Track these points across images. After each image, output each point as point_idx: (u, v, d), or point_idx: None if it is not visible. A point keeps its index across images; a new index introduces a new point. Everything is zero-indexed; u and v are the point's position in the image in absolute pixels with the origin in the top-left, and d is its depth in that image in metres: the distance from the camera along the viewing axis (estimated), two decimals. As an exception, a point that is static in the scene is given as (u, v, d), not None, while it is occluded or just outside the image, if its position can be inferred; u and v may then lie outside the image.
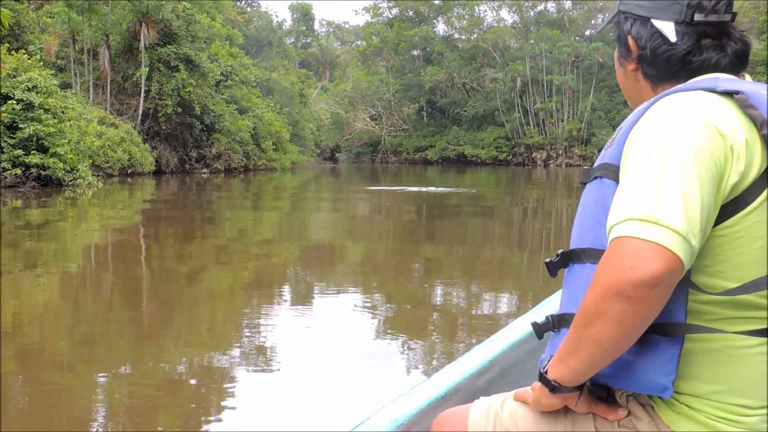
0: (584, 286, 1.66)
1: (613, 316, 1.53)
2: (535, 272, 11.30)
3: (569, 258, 1.82)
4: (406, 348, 6.83)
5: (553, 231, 17.66)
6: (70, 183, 27.44)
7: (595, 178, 1.79)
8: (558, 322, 1.84)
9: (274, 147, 56.72)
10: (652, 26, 1.81)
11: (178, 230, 17.09)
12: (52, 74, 30.89)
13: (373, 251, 14.26)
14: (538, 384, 1.80)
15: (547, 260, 1.87)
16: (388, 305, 8.95)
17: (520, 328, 2.61)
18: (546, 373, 1.75)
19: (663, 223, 1.50)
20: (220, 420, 5.06)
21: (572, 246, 1.82)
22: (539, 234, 16.97)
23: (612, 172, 1.72)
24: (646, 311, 1.52)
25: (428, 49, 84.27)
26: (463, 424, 1.96)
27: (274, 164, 55.65)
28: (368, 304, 8.94)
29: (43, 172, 26.59)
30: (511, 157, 77.05)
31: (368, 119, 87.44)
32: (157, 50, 42.58)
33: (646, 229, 1.50)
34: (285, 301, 9.22)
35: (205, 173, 46.28)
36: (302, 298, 9.38)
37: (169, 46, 42.70)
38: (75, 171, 27.68)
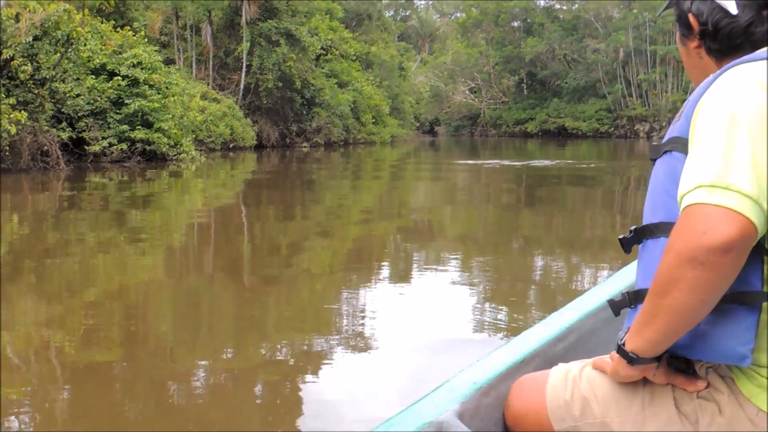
0: (659, 260, 1.65)
1: (688, 283, 1.54)
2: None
3: (642, 234, 1.84)
4: (503, 320, 6.82)
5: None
6: (173, 157, 27.89)
7: (665, 152, 1.80)
8: (634, 298, 1.85)
9: (374, 120, 56.68)
10: (712, 1, 1.82)
11: (279, 204, 17.27)
12: (156, 50, 31.37)
13: (472, 227, 14.12)
14: (616, 355, 1.82)
15: (621, 237, 1.91)
16: (487, 280, 8.84)
17: (596, 296, 2.63)
18: (624, 344, 1.77)
19: (733, 188, 1.51)
20: (319, 392, 5.09)
21: (645, 222, 1.84)
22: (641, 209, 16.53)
23: (681, 145, 1.74)
24: (721, 277, 1.54)
25: (528, 21, 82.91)
26: (541, 390, 1.99)
27: (373, 138, 55.66)
28: (467, 279, 8.87)
29: (147, 147, 27.08)
30: (612, 129, 75.38)
31: (467, 92, 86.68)
32: (258, 25, 42.83)
33: (716, 195, 1.52)
34: (384, 274, 9.30)
35: (305, 147, 46.59)
36: (401, 270, 9.47)
37: (269, 21, 42.87)
38: (179, 146, 28.10)
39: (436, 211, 16.57)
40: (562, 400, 1.94)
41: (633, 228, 1.87)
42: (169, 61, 41.15)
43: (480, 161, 34.74)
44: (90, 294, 8.00)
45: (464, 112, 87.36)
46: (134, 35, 29.76)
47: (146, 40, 31.95)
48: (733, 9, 1.79)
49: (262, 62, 42.84)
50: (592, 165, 30.83)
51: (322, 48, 48.97)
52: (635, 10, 73.30)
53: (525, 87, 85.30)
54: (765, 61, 1.67)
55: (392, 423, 1.79)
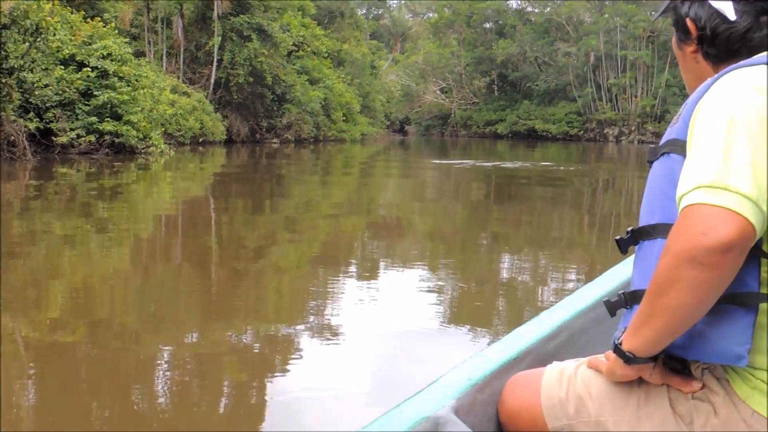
0: (656, 262, 1.65)
1: (686, 283, 1.55)
2: (604, 247, 11.04)
3: (639, 235, 1.84)
4: (470, 318, 6.76)
5: (623, 207, 17.35)
6: (142, 150, 27.68)
7: (662, 154, 1.81)
8: (630, 299, 1.85)
9: (344, 118, 56.64)
10: (710, 6, 1.82)
11: (247, 198, 17.22)
12: (126, 42, 31.10)
13: (440, 224, 14.16)
14: (612, 354, 1.82)
15: (618, 237, 1.91)
16: (455, 278, 8.85)
17: (586, 295, 2.63)
18: (620, 344, 1.77)
19: (732, 189, 1.52)
20: (286, 388, 5.05)
21: (641, 223, 1.84)
22: (610, 209, 16.64)
23: (679, 147, 1.74)
24: (719, 277, 1.54)
25: (501, 22, 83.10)
26: (536, 387, 1.99)
27: (343, 135, 55.59)
28: (434, 278, 8.85)
29: (116, 140, 26.86)
30: (582, 132, 75.74)
31: (438, 92, 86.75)
32: (230, 19, 42.65)
33: (716, 196, 1.53)
34: (351, 271, 9.27)
35: (275, 143, 46.50)
36: (369, 268, 9.42)
37: (241, 16, 42.70)
38: (147, 139, 27.89)
39: (404, 208, 16.55)
40: (556, 398, 1.95)
41: (630, 229, 1.88)
42: (139, 54, 40.78)
43: (449, 161, 34.85)
44: (55, 285, 7.91)
45: (435, 111, 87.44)
46: (104, 26, 29.47)
47: (116, 31, 31.64)
48: (731, 15, 1.80)
49: (233, 57, 42.67)
50: (562, 168, 30.93)
51: (293, 44, 48.74)
52: (606, 15, 73.83)
53: (496, 88, 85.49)
54: (763, 66, 1.69)
55: (388, 418, 1.80)
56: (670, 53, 70.76)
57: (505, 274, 9.38)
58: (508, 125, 79.12)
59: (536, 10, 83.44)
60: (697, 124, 1.68)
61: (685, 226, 1.55)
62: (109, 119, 26.55)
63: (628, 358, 1.76)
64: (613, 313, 1.93)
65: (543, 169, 29.47)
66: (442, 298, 7.75)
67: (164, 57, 43.10)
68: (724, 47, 1.82)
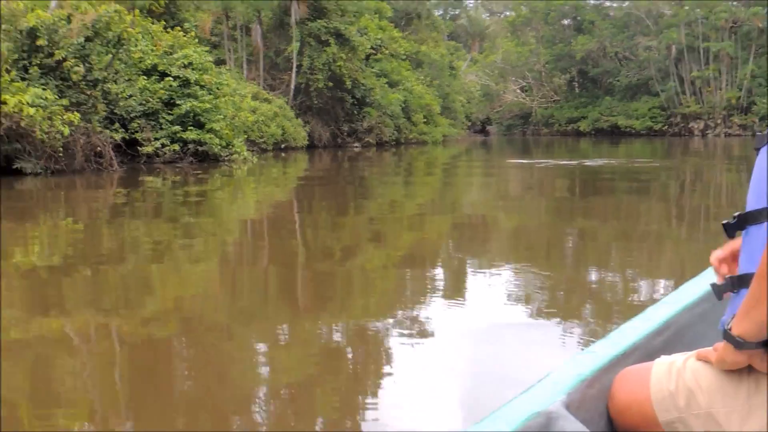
0: (762, 245, 1.66)
1: None
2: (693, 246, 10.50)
3: (746, 220, 1.85)
4: (560, 326, 6.43)
5: (712, 200, 16.77)
6: (226, 158, 27.73)
7: None
8: (738, 283, 1.85)
9: (425, 120, 56.26)
10: None
11: (331, 201, 17.11)
12: (206, 51, 31.26)
13: (525, 227, 13.72)
14: (721, 343, 1.80)
15: (724, 222, 1.90)
16: (545, 277, 8.55)
17: (691, 290, 2.61)
18: (730, 329, 1.75)
19: None
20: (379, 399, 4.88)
21: (748, 208, 1.84)
22: (699, 202, 16.03)
23: None
24: None
25: (579, 18, 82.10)
26: (645, 381, 1.98)
27: (425, 137, 55.23)
28: (524, 277, 8.63)
29: (200, 148, 26.94)
30: (666, 127, 74.24)
31: (518, 91, 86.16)
32: (307, 25, 42.69)
33: None
34: (439, 271, 9.15)
35: (357, 147, 46.36)
36: (456, 268, 9.31)
37: (319, 21, 42.71)
38: (230, 146, 27.94)
39: (489, 208, 16.23)
40: (666, 391, 1.93)
41: (737, 214, 1.88)
42: (219, 62, 41.26)
43: (531, 160, 34.16)
44: (149, 300, 7.79)
45: (515, 111, 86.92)
46: (185, 36, 29.67)
47: (197, 40, 31.86)
48: None
49: (312, 62, 42.70)
50: (648, 163, 30.19)
51: (371, 47, 48.67)
52: (687, 7, 72.11)
53: (576, 85, 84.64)
54: None
55: (500, 414, 1.80)
56: (754, 43, 69.18)
57: (594, 273, 9.05)
58: (590, 122, 78.14)
59: (615, 5, 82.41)
60: None
61: None
62: (192, 128, 26.65)
63: (738, 343, 1.73)
64: (720, 297, 1.94)
65: (628, 165, 28.74)
66: (535, 298, 7.49)
67: (244, 64, 43.44)
68: None
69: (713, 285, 1.96)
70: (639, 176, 23.71)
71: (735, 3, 73.65)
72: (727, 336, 1.76)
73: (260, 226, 13.34)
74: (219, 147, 27.20)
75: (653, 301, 6.11)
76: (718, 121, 71.81)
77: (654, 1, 75.87)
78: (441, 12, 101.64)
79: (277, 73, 44.70)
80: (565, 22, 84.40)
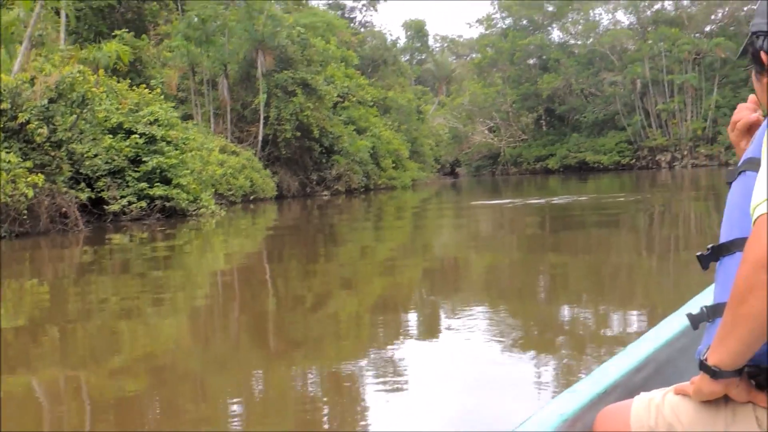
0: (735, 275, 1.71)
1: (764, 288, 1.61)
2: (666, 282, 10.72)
3: (719, 252, 1.94)
4: (537, 367, 6.62)
5: (681, 233, 17.00)
6: (193, 212, 27.75)
7: (740, 173, 1.92)
8: (712, 313, 1.94)
9: (394, 165, 56.47)
10: None
11: (301, 255, 17.11)
12: (173, 106, 31.45)
13: (495, 267, 13.93)
14: (698, 375, 1.87)
15: (699, 254, 2.02)
16: (516, 325, 8.61)
17: (671, 326, 2.71)
18: (706, 360, 1.83)
19: None
20: None
21: (722, 240, 1.94)
22: (669, 240, 16.25)
23: (755, 165, 1.83)
24: None
25: (544, 57, 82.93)
26: (625, 419, 2.05)
27: (394, 182, 55.40)
28: (496, 321, 8.75)
29: (167, 204, 26.96)
30: (634, 161, 74.98)
31: (486, 132, 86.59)
32: (274, 76, 43.07)
33: None
34: (411, 321, 9.17)
35: (326, 195, 46.49)
36: (429, 315, 9.32)
37: (285, 72, 43.10)
38: (198, 200, 27.99)
39: (461, 252, 16.37)
40: (647, 428, 2.00)
41: (710, 246, 1.98)
42: (187, 117, 41.41)
43: (501, 201, 34.38)
44: (116, 359, 7.88)
45: (484, 151, 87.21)
46: (150, 93, 29.84)
47: (163, 96, 32.01)
48: None
49: (279, 113, 42.98)
50: (622, 198, 30.43)
51: (338, 95, 49.07)
52: (650, 41, 73.23)
53: (544, 123, 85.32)
54: None
55: None
56: (718, 74, 70.19)
57: (566, 310, 9.26)
58: (558, 159, 78.69)
59: (579, 42, 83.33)
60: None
61: (759, 235, 1.64)
62: (159, 184, 26.68)
63: (714, 373, 1.80)
64: (695, 326, 2.05)
65: (595, 201, 29.03)
66: (508, 343, 7.58)
67: (212, 118, 43.58)
68: None
69: (689, 315, 2.06)
70: (608, 211, 24.07)
71: (697, 35, 74.85)
72: (703, 366, 1.84)
73: (230, 277, 13.48)
74: (186, 202, 27.23)
75: (627, 334, 6.81)
76: (685, 153, 72.62)
77: (617, 36, 76.91)
78: (407, 57, 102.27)
79: (244, 125, 44.87)
80: (531, 61, 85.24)
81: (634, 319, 8.52)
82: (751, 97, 2.21)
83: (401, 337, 8.20)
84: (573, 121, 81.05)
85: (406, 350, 7.42)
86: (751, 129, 2.17)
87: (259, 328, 9.16)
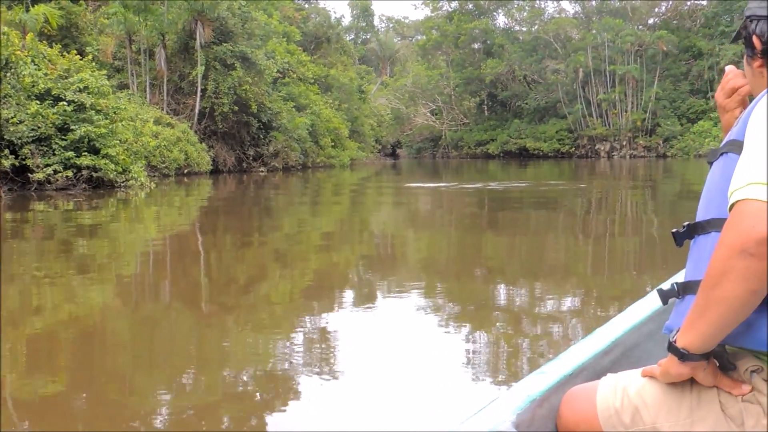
0: (708, 254, 1.75)
1: (738, 274, 1.64)
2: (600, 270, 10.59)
3: (694, 230, 1.97)
4: (476, 351, 6.59)
5: (617, 223, 16.89)
6: (122, 184, 27.05)
7: (721, 155, 1.93)
8: (683, 290, 1.96)
9: (333, 144, 56.08)
10: None
11: (235, 230, 16.69)
12: (105, 75, 30.56)
13: (433, 250, 13.71)
14: (666, 357, 1.89)
15: (674, 230, 2.04)
16: (452, 308, 8.46)
17: (640, 310, 2.72)
18: (675, 342, 1.85)
19: None
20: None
21: (698, 219, 1.97)
22: (605, 227, 16.12)
23: (737, 147, 1.84)
24: None
25: (488, 42, 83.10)
26: (592, 400, 2.06)
27: (332, 161, 54.97)
28: (431, 306, 8.56)
29: (94, 174, 26.21)
30: (573, 149, 75.58)
31: (429, 114, 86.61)
32: (213, 48, 42.21)
33: (766, 192, 1.63)
34: (346, 303, 8.89)
35: (262, 171, 45.90)
36: (364, 299, 8.97)
37: (224, 44, 42.28)
38: (127, 172, 27.27)
39: (396, 236, 16.03)
40: (612, 409, 2.01)
41: (686, 224, 2.00)
42: (123, 86, 40.61)
43: (440, 184, 34.04)
44: (36, 325, 7.56)
45: (426, 134, 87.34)
46: (81, 59, 28.96)
47: (94, 64, 31.02)
48: None
49: (217, 86, 42.22)
50: (558, 186, 30.38)
51: (278, 71, 48.34)
52: (594, 31, 73.66)
53: (486, 108, 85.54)
54: None
55: None
56: (659, 66, 70.85)
57: (502, 301, 9.03)
58: (499, 145, 79.02)
59: (524, 29, 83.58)
60: (751, 124, 1.79)
61: (737, 220, 1.65)
62: (86, 153, 25.91)
63: (682, 355, 1.83)
64: (665, 302, 2.10)
65: (535, 189, 28.92)
66: (443, 331, 7.33)
67: (147, 88, 42.60)
68: None
69: (659, 290, 2.10)
70: (547, 198, 23.99)
71: (641, 27, 75.42)
72: (672, 348, 1.86)
73: (157, 256, 12.91)
74: (114, 173, 26.50)
75: (561, 312, 7.07)
76: (624, 143, 73.32)
77: (562, 25, 77.16)
78: (352, 36, 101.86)
79: (181, 97, 43.96)
80: (475, 45, 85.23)
81: (566, 304, 8.53)
82: (731, 67, 2.26)
83: (332, 312, 8.09)
84: (515, 108, 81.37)
85: (336, 325, 7.35)
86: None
87: (185, 300, 8.86)
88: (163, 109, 41.39)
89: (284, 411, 5.15)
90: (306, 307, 8.55)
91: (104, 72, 30.54)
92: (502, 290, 9.63)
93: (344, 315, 8.08)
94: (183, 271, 11.37)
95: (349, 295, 9.43)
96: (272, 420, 5.01)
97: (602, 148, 74.11)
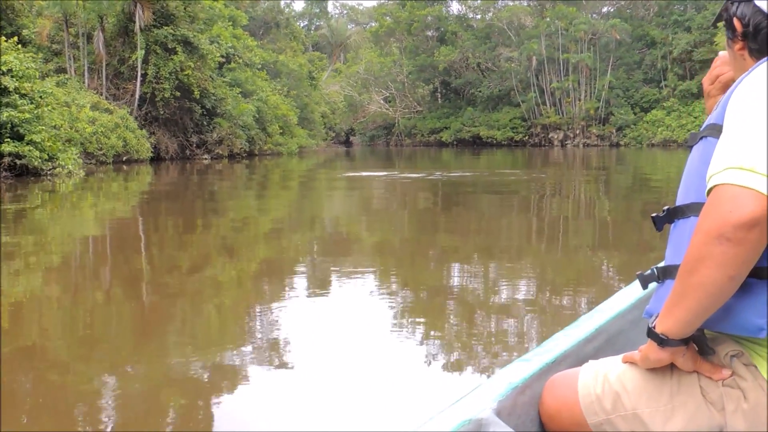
0: (688, 239, 1.75)
1: (716, 259, 1.64)
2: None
3: (674, 214, 1.96)
4: (421, 338, 6.51)
5: (571, 214, 16.35)
6: (48, 172, 25.79)
7: (701, 138, 1.93)
8: (663, 274, 1.96)
9: (281, 131, 54.94)
10: (754, 5, 1.90)
11: (171, 220, 15.89)
12: (42, 59, 29.16)
13: (382, 239, 13.31)
14: (646, 344, 1.90)
15: (654, 215, 2.02)
16: (405, 295, 8.43)
17: (623, 299, 2.71)
18: (654, 327, 1.85)
19: (758, 171, 1.62)
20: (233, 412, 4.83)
21: (678, 203, 1.95)
22: (551, 215, 15.39)
23: (716, 132, 1.83)
24: (746, 253, 1.63)
25: (442, 29, 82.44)
26: (573, 386, 2.05)
27: (280, 149, 53.86)
28: (378, 293, 8.41)
29: (18, 161, 24.94)
30: (527, 137, 75.24)
31: (382, 101, 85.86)
32: (153, 32, 40.82)
33: (743, 177, 1.63)
34: (291, 295, 8.45)
35: (206, 159, 44.73)
36: (311, 290, 8.70)
37: (165, 28, 40.91)
38: (54, 159, 26.00)
39: (347, 225, 15.42)
40: (593, 395, 2.00)
41: (666, 208, 1.98)
42: (61, 70, 39.24)
43: (389, 173, 32.87)
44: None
45: (379, 121, 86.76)
46: (6, 41, 27.60)
47: (32, 47, 29.64)
48: None
49: (158, 71, 40.94)
50: (510, 176, 29.63)
51: (223, 56, 47.07)
52: (547, 18, 73.09)
53: (439, 96, 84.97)
54: None
55: (432, 421, 1.84)
56: (612, 55, 70.62)
57: (454, 284, 9.05)
58: (452, 133, 78.51)
59: (477, 16, 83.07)
60: (730, 109, 1.77)
61: (714, 205, 1.65)
62: (9, 140, 24.62)
63: (661, 341, 1.83)
64: (645, 286, 2.06)
65: (490, 178, 28.14)
66: (388, 317, 7.24)
67: (86, 73, 41.24)
68: (765, 42, 1.89)
69: (639, 275, 2.05)
70: (501, 188, 23.34)
71: (594, 15, 75.09)
72: (651, 333, 1.85)
73: (91, 246, 12.16)
74: (40, 160, 25.23)
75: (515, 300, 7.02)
76: (577, 132, 73.09)
77: (515, 12, 76.61)
78: (306, 23, 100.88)
79: (121, 82, 42.55)
80: (428, 33, 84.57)
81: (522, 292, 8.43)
82: (722, 52, 2.22)
83: (270, 310, 7.68)
84: (468, 95, 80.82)
85: (279, 324, 7.02)
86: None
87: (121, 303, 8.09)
88: (102, 95, 40.09)
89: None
90: (250, 296, 8.49)
91: (41, 56, 29.23)
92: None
93: (282, 308, 7.74)
94: (115, 265, 10.51)
95: (293, 288, 8.98)
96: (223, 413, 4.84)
97: (556, 137, 73.81)
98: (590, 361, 2.14)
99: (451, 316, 7.31)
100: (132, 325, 7.17)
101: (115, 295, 8.57)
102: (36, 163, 25.11)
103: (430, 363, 5.72)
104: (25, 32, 38.62)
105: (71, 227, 14.88)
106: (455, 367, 5.69)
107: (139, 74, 41.06)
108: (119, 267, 10.31)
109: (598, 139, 71.58)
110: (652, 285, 2.03)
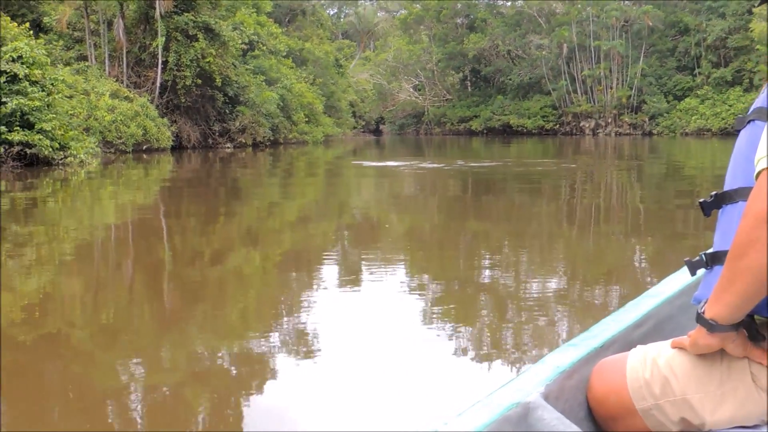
0: (736, 224, 1.70)
1: (765, 243, 1.60)
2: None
3: (722, 199, 1.91)
4: (447, 331, 6.29)
5: (603, 207, 15.64)
6: (60, 161, 25.11)
7: (749, 122, 1.87)
8: (711, 260, 1.92)
9: (307, 119, 54.16)
10: None
11: (191, 211, 15.31)
12: (63, 46, 28.49)
13: (413, 225, 13.16)
14: (695, 329, 1.86)
15: (701, 200, 1.97)
16: (427, 284, 8.31)
17: (672, 284, 2.67)
18: (703, 313, 1.81)
19: None
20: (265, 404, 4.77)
21: (726, 188, 1.91)
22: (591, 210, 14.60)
23: (764, 115, 1.79)
24: None
25: (471, 16, 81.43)
26: (621, 371, 2.02)
27: (305, 137, 53.13)
28: (422, 284, 8.29)
29: (28, 150, 24.27)
30: (558, 126, 74.00)
31: (411, 90, 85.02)
32: (173, 18, 40.07)
33: None
34: (321, 285, 8.33)
35: (229, 148, 43.96)
36: (335, 283, 8.33)
37: (186, 14, 40.16)
38: (66, 148, 25.30)
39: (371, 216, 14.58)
40: (642, 380, 1.97)
41: (713, 193, 1.94)
42: (82, 58, 38.73)
43: (416, 162, 31.86)
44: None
45: (408, 110, 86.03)
46: (17, 27, 26.92)
47: (53, 34, 28.97)
48: None
49: (179, 58, 40.21)
50: (552, 167, 28.63)
51: (245, 43, 46.29)
52: (578, 5, 71.74)
53: (469, 84, 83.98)
54: None
55: (481, 405, 1.83)
56: (645, 42, 69.21)
57: (486, 277, 8.72)
58: (482, 121, 77.54)
59: (507, 3, 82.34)
60: None
61: (763, 189, 1.62)
62: (19, 128, 23.95)
63: (711, 326, 1.79)
64: (693, 273, 2.02)
65: (520, 170, 27.17)
66: (418, 308, 7.08)
67: (107, 60, 40.65)
68: None
69: (687, 261, 2.02)
70: (533, 181, 22.27)
71: (626, 2, 73.66)
72: (700, 319, 1.82)
73: (109, 238, 11.72)
74: (51, 149, 24.53)
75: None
76: (609, 120, 71.82)
77: (546, -1, 75.52)
78: (335, 10, 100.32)
79: (142, 69, 41.89)
80: (458, 20, 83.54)
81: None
82: None
83: (306, 305, 7.37)
84: (498, 83, 79.75)
85: (312, 317, 6.78)
86: None
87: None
88: (123, 82, 39.48)
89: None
90: (276, 290, 8.23)
91: (61, 43, 28.59)
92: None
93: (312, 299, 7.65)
94: (136, 260, 9.98)
95: (317, 275, 8.95)
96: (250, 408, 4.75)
97: (587, 126, 72.56)
98: (638, 346, 2.08)
99: (491, 303, 7.23)
100: (159, 313, 7.14)
101: (139, 283, 8.50)
102: (47, 152, 24.42)
103: (476, 350, 5.73)
104: (46, 19, 38.20)
105: (83, 218, 14.24)
106: (498, 355, 5.65)
107: (159, 62, 40.38)
108: (141, 257, 10.11)
109: (631, 127, 70.25)
110: (701, 271, 1.98)
